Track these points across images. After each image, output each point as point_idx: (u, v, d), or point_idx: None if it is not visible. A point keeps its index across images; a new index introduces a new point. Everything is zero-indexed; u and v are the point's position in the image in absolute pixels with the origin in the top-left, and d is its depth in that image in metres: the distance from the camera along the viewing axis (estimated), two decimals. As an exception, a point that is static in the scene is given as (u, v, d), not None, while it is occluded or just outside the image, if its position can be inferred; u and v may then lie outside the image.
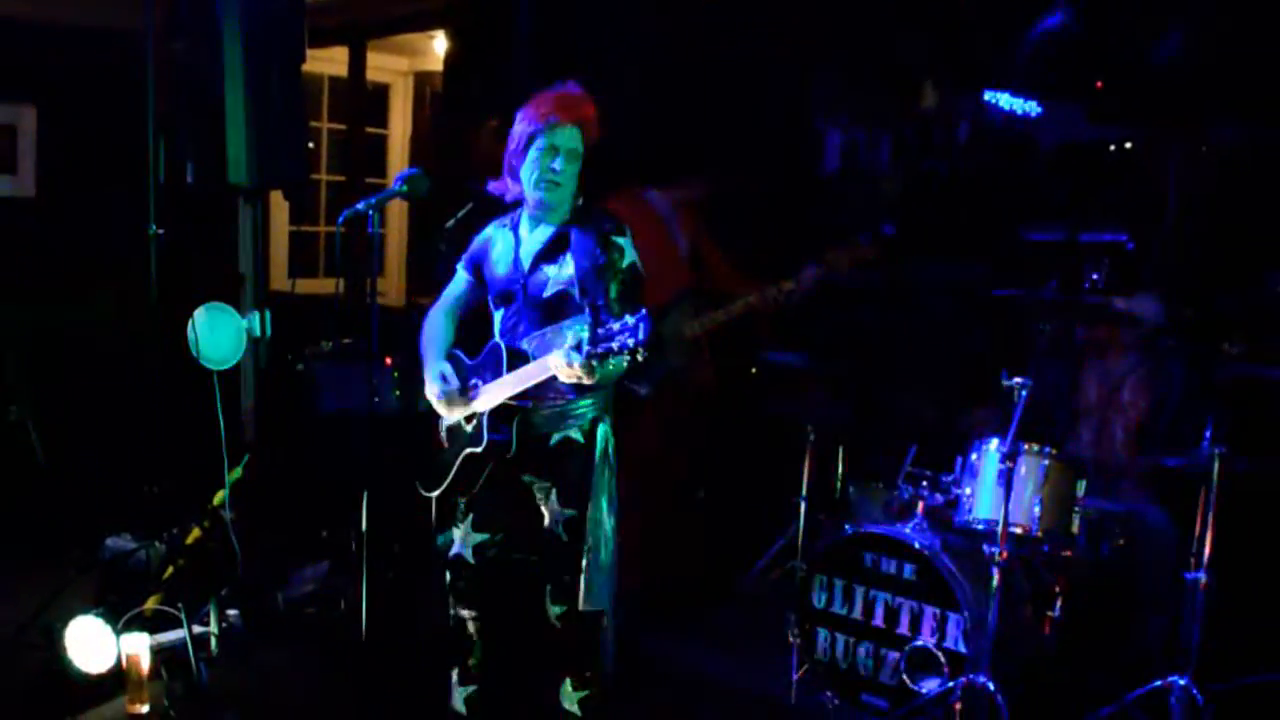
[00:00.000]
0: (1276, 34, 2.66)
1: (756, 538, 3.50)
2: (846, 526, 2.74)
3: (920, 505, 2.63)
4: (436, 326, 2.31)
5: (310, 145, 4.82)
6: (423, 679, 2.51)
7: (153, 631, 2.67)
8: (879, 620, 2.53)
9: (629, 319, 1.81)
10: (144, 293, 3.34)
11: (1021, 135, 3.34)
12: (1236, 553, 2.29)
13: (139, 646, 2.53)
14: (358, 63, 4.86)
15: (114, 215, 4.08)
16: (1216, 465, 2.21)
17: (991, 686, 2.26)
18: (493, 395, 2.17)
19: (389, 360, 3.46)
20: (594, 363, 1.84)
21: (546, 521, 2.18)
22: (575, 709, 2.24)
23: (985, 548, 2.39)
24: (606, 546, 2.18)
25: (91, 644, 2.63)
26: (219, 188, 3.28)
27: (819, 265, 2.94)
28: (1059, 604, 2.51)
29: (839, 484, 3.07)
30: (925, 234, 3.27)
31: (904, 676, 2.47)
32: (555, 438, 2.19)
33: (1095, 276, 2.67)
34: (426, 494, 2.32)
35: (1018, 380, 2.35)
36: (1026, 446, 2.41)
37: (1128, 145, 3.17)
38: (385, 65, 5.29)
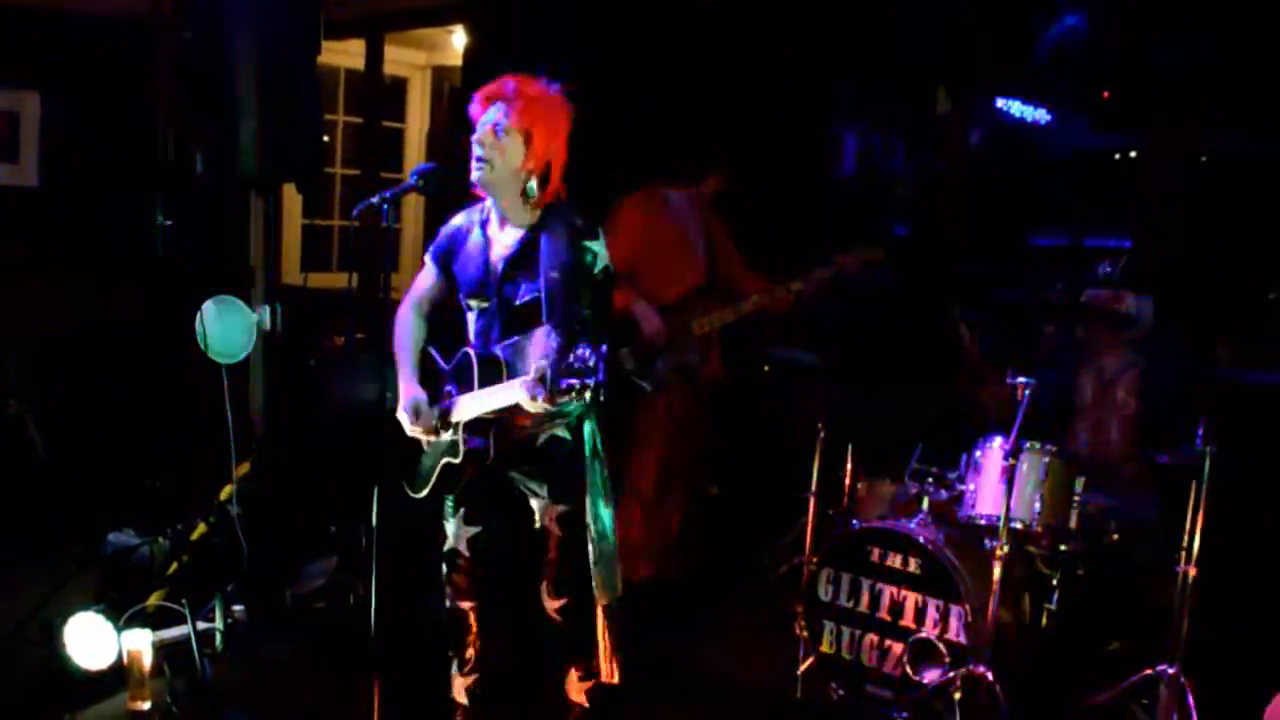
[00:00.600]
0: (1272, 48, 2.84)
1: (765, 533, 3.68)
2: (853, 521, 2.92)
3: (925, 501, 2.82)
4: (407, 325, 2.34)
5: (325, 138, 4.81)
6: (427, 671, 2.58)
7: (156, 628, 2.72)
8: (884, 613, 2.70)
9: (591, 357, 1.87)
10: (151, 285, 3.41)
11: (1031, 142, 3.51)
12: (1224, 547, 2.47)
13: (141, 643, 2.57)
14: (375, 56, 4.94)
15: (120, 206, 4.19)
16: (1206, 462, 2.39)
17: (990, 676, 2.44)
18: (466, 408, 2.23)
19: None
20: (556, 398, 1.91)
21: (538, 518, 2.28)
22: (582, 699, 2.37)
23: (987, 542, 2.58)
24: (610, 538, 2.27)
25: (92, 640, 2.66)
26: (229, 179, 3.32)
27: (830, 266, 3.09)
28: (1056, 596, 2.70)
29: (847, 480, 3.23)
30: (936, 236, 3.44)
31: (907, 667, 2.64)
32: (542, 437, 2.26)
33: (1109, 269, 2.83)
34: (413, 495, 2.37)
35: (1021, 380, 2.53)
36: (1028, 444, 2.59)
37: (1132, 154, 3.34)
38: (403, 59, 5.40)
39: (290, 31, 3.26)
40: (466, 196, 2.34)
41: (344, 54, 5.12)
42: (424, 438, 2.32)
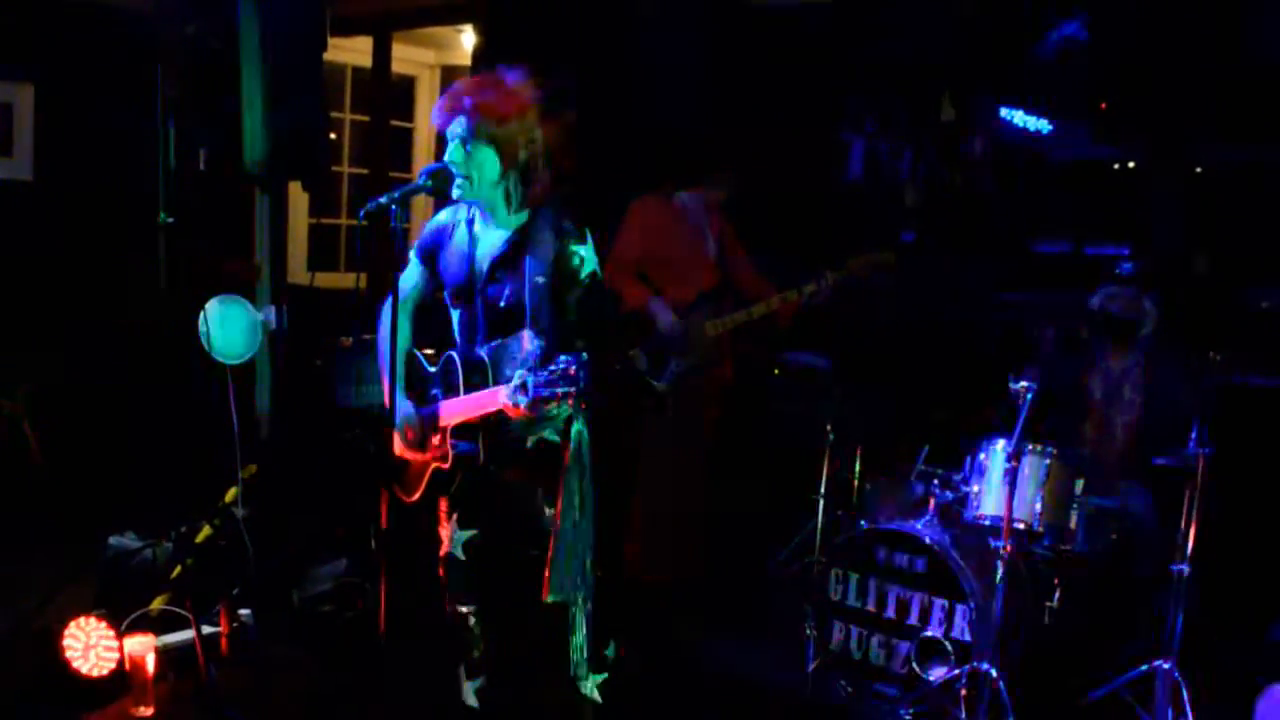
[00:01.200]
0: (1265, 64, 3.01)
1: (775, 533, 3.83)
2: (862, 522, 3.07)
3: (931, 502, 2.97)
4: (392, 328, 2.28)
5: (332, 136, 4.94)
6: (437, 675, 2.61)
7: (159, 632, 2.75)
8: (891, 612, 2.84)
9: (573, 366, 1.90)
10: (152, 283, 3.37)
11: (1032, 151, 3.68)
12: (1218, 546, 2.65)
13: (143, 648, 2.59)
14: (382, 54, 5.02)
15: (119, 201, 4.24)
16: (1201, 464, 2.56)
17: (994, 673, 2.59)
18: (451, 413, 2.27)
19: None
20: (538, 406, 1.96)
21: (542, 520, 2.32)
22: (595, 694, 2.44)
23: (991, 542, 2.73)
24: (583, 541, 2.27)
25: (92, 646, 2.67)
26: (233, 176, 3.35)
27: (841, 270, 3.21)
28: (1057, 594, 2.86)
29: (855, 481, 3.38)
30: (941, 241, 3.60)
31: (913, 665, 2.77)
32: (531, 441, 2.30)
33: (1127, 268, 3.00)
34: (405, 499, 2.40)
35: (1024, 383, 2.68)
36: (1030, 447, 2.75)
37: (1130, 164, 3.51)
38: (411, 57, 5.48)
39: (297, 26, 3.31)
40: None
41: (351, 51, 5.18)
42: (410, 457, 2.37)
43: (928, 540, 2.81)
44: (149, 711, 2.59)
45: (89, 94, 4.45)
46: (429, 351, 2.47)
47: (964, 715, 2.63)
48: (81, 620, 2.71)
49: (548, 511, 2.33)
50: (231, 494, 3.32)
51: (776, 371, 3.63)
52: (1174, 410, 2.83)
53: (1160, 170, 3.30)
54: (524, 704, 2.65)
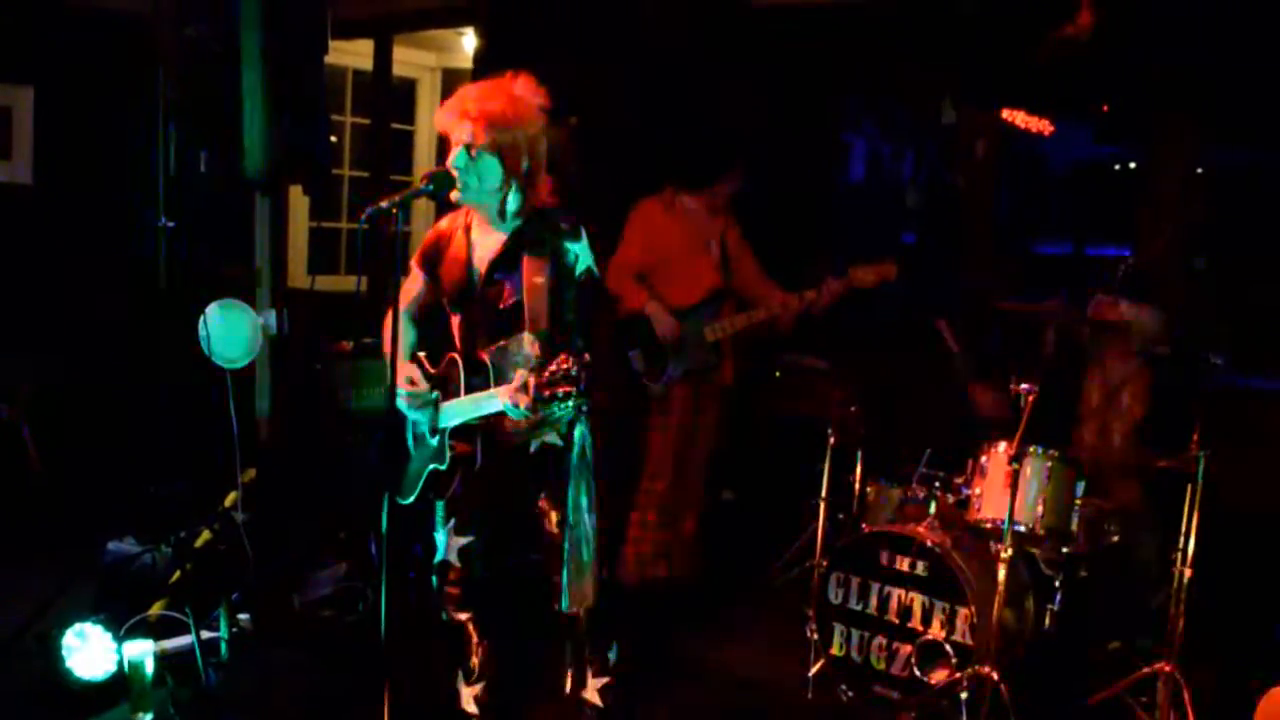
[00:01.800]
0: (1268, 66, 3.05)
1: (776, 537, 3.86)
2: (863, 525, 3.11)
3: (933, 505, 3.01)
4: (397, 331, 2.26)
5: (333, 139, 4.99)
6: (437, 680, 2.63)
7: (158, 637, 2.75)
8: (892, 615, 2.88)
9: (573, 366, 1.92)
10: (151, 286, 3.37)
11: (1034, 153, 3.72)
12: (1218, 549, 2.68)
13: (142, 653, 2.59)
14: (384, 57, 5.07)
15: (118, 205, 4.28)
16: (1201, 466, 2.59)
17: (996, 676, 2.61)
18: (452, 414, 2.30)
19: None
20: (539, 407, 1.99)
21: (543, 525, 2.35)
22: (595, 699, 2.46)
23: (992, 545, 2.78)
24: (587, 546, 2.31)
25: (91, 651, 2.69)
26: (233, 179, 3.34)
27: (845, 279, 3.25)
28: (1059, 597, 2.89)
29: (857, 485, 3.39)
30: (943, 244, 3.64)
31: (915, 669, 2.81)
32: (534, 444, 2.33)
33: (1114, 277, 3.04)
34: (400, 501, 2.42)
35: (1025, 386, 2.72)
36: (1030, 450, 2.78)
37: (1131, 165, 3.55)
38: (412, 60, 5.54)
39: (298, 29, 3.32)
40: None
41: (352, 54, 5.22)
42: (413, 413, 2.37)
43: (929, 543, 2.85)
44: (148, 717, 2.60)
45: (88, 97, 4.49)
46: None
47: (965, 719, 2.65)
48: (80, 625, 2.73)
49: (552, 516, 2.35)
50: (231, 498, 3.35)
51: (777, 374, 3.67)
52: (1175, 413, 2.87)
53: (1161, 171, 3.35)
54: (524, 709, 2.69)
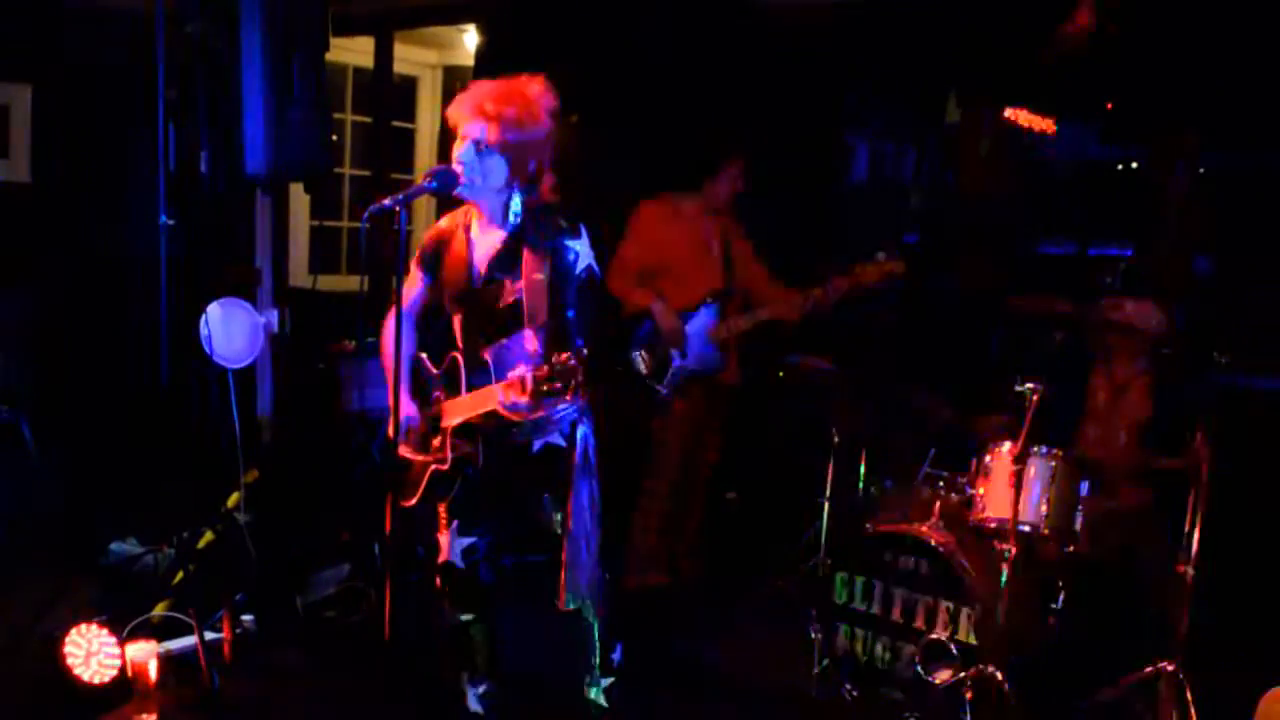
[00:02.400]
0: (1269, 69, 3.09)
1: (781, 536, 3.88)
2: (867, 525, 3.12)
3: (937, 505, 3.02)
4: (397, 336, 2.28)
5: (334, 138, 4.89)
6: (441, 680, 2.65)
7: (161, 639, 2.77)
8: (896, 615, 2.90)
9: (571, 360, 1.94)
10: (152, 286, 3.37)
11: (1038, 152, 3.74)
12: (1223, 548, 2.71)
13: (145, 654, 2.62)
14: (384, 54, 5.04)
15: (118, 203, 4.29)
16: (1205, 465, 2.61)
17: (1000, 676, 2.64)
18: (454, 413, 2.31)
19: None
20: (537, 402, 2.02)
21: (552, 525, 2.36)
22: (600, 698, 2.49)
23: (996, 544, 2.79)
24: (588, 546, 2.34)
25: (94, 653, 2.70)
26: (234, 178, 3.35)
27: (849, 276, 3.26)
28: (1062, 597, 2.91)
29: (861, 484, 3.43)
30: (946, 244, 3.66)
31: (919, 668, 2.83)
32: (537, 445, 2.34)
33: (1111, 280, 3.07)
34: (403, 504, 2.42)
35: (1029, 386, 2.74)
36: (1035, 449, 2.81)
37: (1134, 165, 3.57)
38: (413, 58, 5.52)
39: (298, 26, 3.31)
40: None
41: (352, 51, 5.20)
42: (413, 457, 2.41)
43: (933, 543, 2.87)
44: (151, 718, 2.61)
45: (87, 95, 4.47)
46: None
47: (969, 718, 2.68)
48: (83, 627, 2.74)
49: (555, 516, 2.37)
50: (234, 499, 3.36)
51: (781, 374, 3.69)
52: (1178, 413, 2.89)
53: (1166, 172, 3.38)
54: (528, 709, 2.71)
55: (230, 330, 3.27)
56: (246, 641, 3.03)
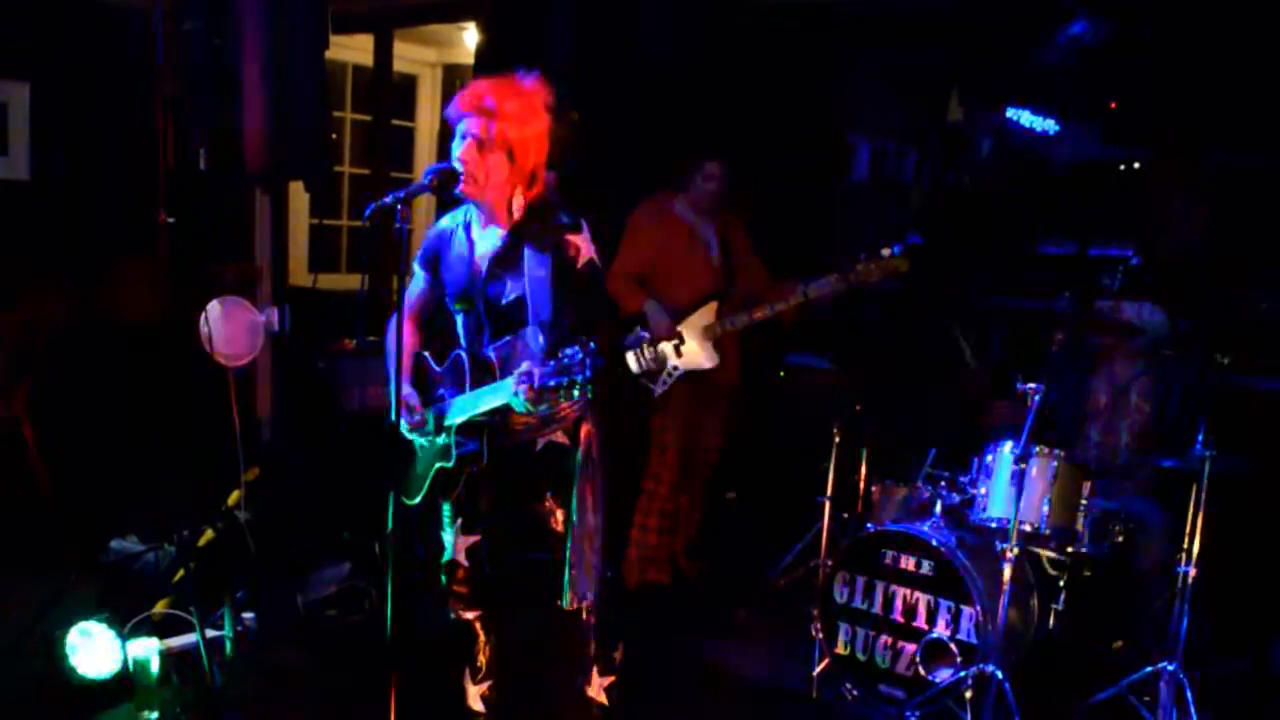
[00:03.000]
0: (1269, 69, 3.10)
1: (781, 536, 3.89)
2: (868, 525, 3.14)
3: (938, 504, 3.04)
4: (400, 334, 2.27)
5: (334, 135, 5.00)
6: (443, 678, 2.66)
7: (162, 636, 2.78)
8: (897, 614, 2.91)
9: (577, 355, 1.95)
10: (152, 284, 3.48)
11: (1039, 152, 3.76)
12: (1224, 548, 2.73)
13: (147, 651, 2.64)
14: (384, 52, 5.05)
15: (118, 202, 4.26)
16: (1206, 466, 2.64)
17: (1000, 675, 2.65)
18: (459, 409, 2.31)
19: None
20: (543, 397, 2.02)
21: (554, 523, 2.37)
22: (601, 698, 2.51)
23: (997, 544, 2.81)
24: (591, 545, 2.35)
25: (95, 650, 2.71)
26: (234, 175, 3.38)
27: (850, 273, 3.25)
28: (1063, 596, 2.93)
29: (861, 484, 3.44)
30: (948, 243, 3.68)
31: (919, 667, 2.85)
32: (541, 443, 2.36)
33: (1109, 282, 3.09)
34: (408, 502, 2.43)
35: (1031, 386, 2.75)
36: (1037, 449, 2.82)
37: (1135, 165, 3.59)
38: (413, 56, 5.53)
39: (298, 23, 3.33)
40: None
41: (352, 49, 5.21)
42: (416, 437, 2.42)
43: (934, 542, 2.88)
44: (153, 716, 2.63)
45: (86, 92, 4.47)
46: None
47: (969, 717, 2.70)
48: (84, 624, 2.75)
49: (558, 514, 2.39)
50: (234, 497, 3.37)
51: (781, 373, 3.70)
52: (1180, 413, 2.91)
53: (1166, 172, 3.40)
54: (529, 708, 2.72)
55: (230, 329, 3.27)
56: (247, 640, 3.04)
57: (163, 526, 3.35)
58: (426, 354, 2.48)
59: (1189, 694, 2.65)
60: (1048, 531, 2.84)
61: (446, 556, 2.51)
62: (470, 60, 4.89)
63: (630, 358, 3.46)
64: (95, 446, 4.04)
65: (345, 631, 3.24)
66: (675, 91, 3.96)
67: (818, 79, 3.90)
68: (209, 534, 3.31)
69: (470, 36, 5.00)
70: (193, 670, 2.76)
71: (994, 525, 2.90)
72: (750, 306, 3.50)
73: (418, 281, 2.50)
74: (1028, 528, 2.83)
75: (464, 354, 2.35)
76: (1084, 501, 2.87)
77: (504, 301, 2.30)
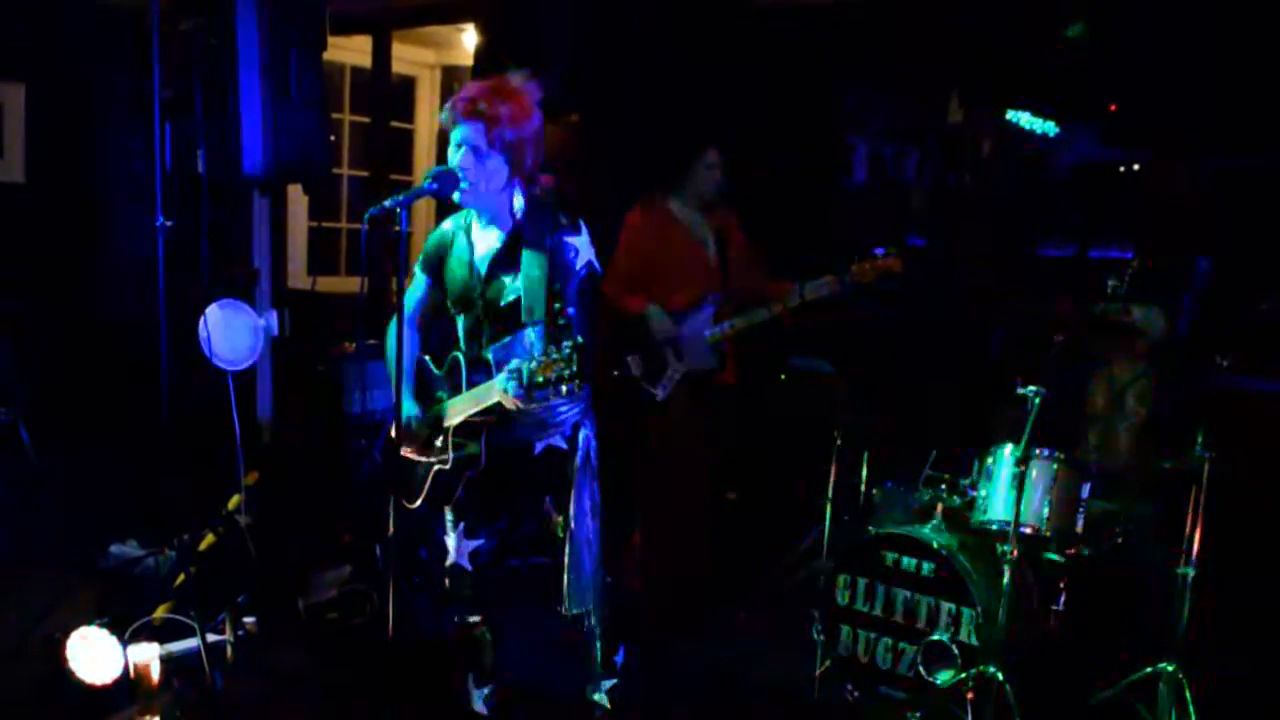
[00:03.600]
0: (1269, 69, 3.12)
1: (782, 539, 3.91)
2: (869, 527, 3.15)
3: (939, 506, 3.06)
4: (400, 339, 2.26)
5: (332, 137, 4.86)
6: (446, 682, 2.69)
7: (163, 640, 2.79)
8: (898, 616, 2.94)
9: (567, 353, 1.96)
10: (150, 287, 3.40)
11: (1039, 154, 3.78)
12: (1223, 549, 2.75)
13: (147, 656, 2.64)
14: (383, 53, 5.08)
15: (115, 204, 4.31)
16: (1206, 467, 2.66)
17: (1001, 677, 2.67)
18: (455, 412, 2.34)
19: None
20: (533, 393, 2.02)
21: (554, 528, 2.40)
22: (603, 700, 2.54)
23: (997, 546, 2.84)
24: (589, 551, 2.37)
25: (96, 655, 2.72)
26: (231, 178, 3.37)
27: (845, 274, 3.26)
28: (1063, 598, 2.94)
29: (862, 486, 3.45)
30: (948, 245, 3.69)
31: (920, 669, 2.87)
32: (539, 446, 2.38)
33: (1116, 285, 3.10)
34: (408, 506, 2.45)
35: (1031, 389, 2.77)
36: (1037, 451, 2.84)
37: (1135, 166, 3.61)
38: (411, 57, 5.53)
39: (295, 24, 3.34)
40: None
41: (350, 51, 5.22)
42: (415, 458, 2.44)
43: (935, 544, 2.90)
44: (154, 720, 2.65)
45: (83, 94, 4.48)
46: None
47: (970, 719, 2.71)
48: (84, 629, 2.76)
49: (557, 519, 2.41)
50: (234, 501, 3.38)
51: (781, 375, 3.71)
52: (1179, 415, 2.93)
53: (1166, 173, 3.42)
54: (532, 711, 2.74)
55: (230, 332, 3.28)
56: (248, 643, 3.05)
57: (163, 531, 3.36)
58: (427, 358, 2.50)
59: (1189, 694, 2.67)
60: (1048, 533, 2.85)
61: (450, 560, 2.53)
62: (469, 61, 4.90)
63: (630, 362, 3.48)
64: (95, 450, 4.04)
65: (346, 635, 3.26)
66: (675, 93, 3.97)
67: (817, 80, 3.91)
68: (209, 538, 3.32)
69: (469, 38, 5.01)
70: (194, 674, 2.78)
71: (994, 527, 2.91)
72: (747, 310, 3.51)
73: (419, 286, 2.51)
74: (1028, 530, 2.85)
75: (461, 356, 2.36)
76: (1083, 503, 2.89)
77: (503, 303, 2.32)
